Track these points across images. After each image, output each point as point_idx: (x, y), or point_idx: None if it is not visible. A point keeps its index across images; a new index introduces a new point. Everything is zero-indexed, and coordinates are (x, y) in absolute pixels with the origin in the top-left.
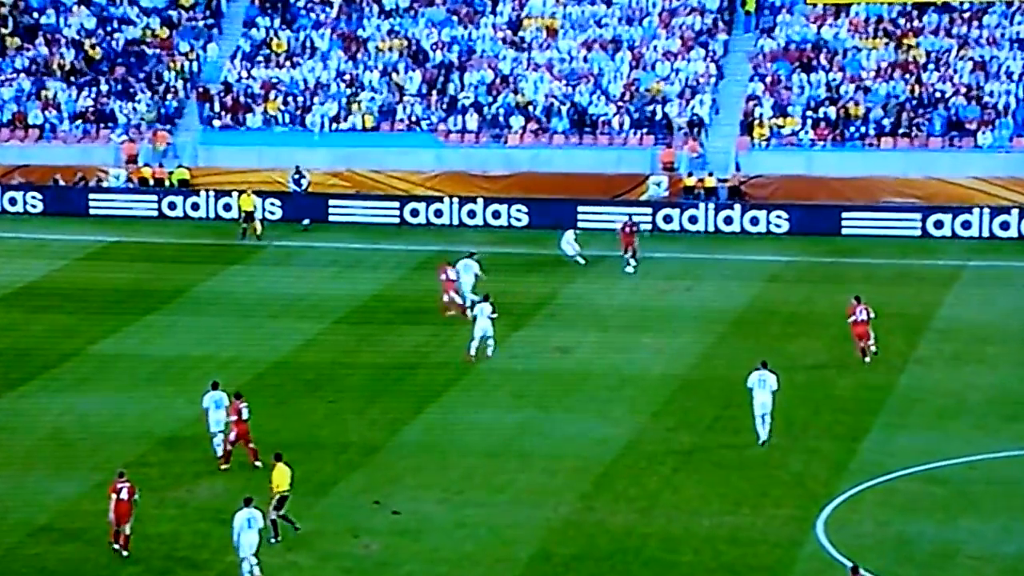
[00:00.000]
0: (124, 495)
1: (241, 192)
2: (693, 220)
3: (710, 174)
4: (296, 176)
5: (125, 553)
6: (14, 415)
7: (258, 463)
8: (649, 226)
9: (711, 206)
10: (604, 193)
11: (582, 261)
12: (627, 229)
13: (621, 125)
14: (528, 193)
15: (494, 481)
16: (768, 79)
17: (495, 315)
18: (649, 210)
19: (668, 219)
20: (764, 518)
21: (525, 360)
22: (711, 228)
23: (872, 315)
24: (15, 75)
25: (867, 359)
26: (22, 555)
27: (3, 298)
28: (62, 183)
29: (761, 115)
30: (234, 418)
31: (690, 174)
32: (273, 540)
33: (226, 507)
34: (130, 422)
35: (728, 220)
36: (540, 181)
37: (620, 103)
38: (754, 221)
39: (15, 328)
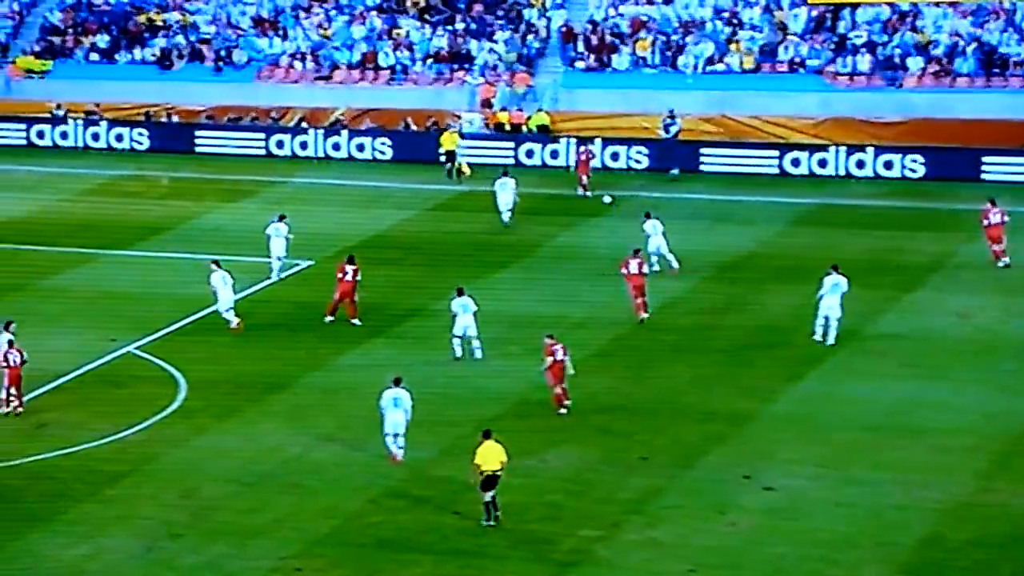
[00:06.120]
0: (560, 355)
1: (445, 129)
2: None
3: None
4: (667, 121)
5: (562, 410)
6: (358, 372)
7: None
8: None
9: None
10: (1014, 142)
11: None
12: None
13: None
14: (926, 141)
15: (878, 458)
16: None
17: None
18: None
19: None
20: None
21: (917, 326)
22: None
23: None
24: (366, 13)
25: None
26: (360, 523)
27: (346, 250)
28: (413, 128)
29: None
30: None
31: None
32: (485, 522)
33: (579, 477)
34: (477, 384)
35: None
36: (940, 128)
37: None
38: None
39: (358, 282)
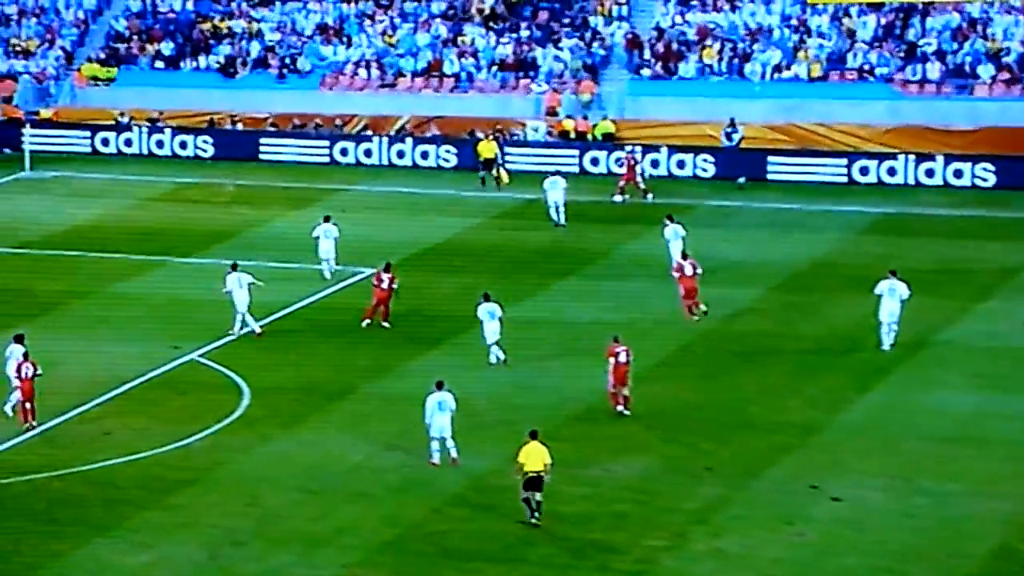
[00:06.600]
0: (623, 358)
1: (485, 137)
2: None
3: None
4: (728, 130)
5: (622, 409)
6: (420, 379)
7: None
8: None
9: None
10: None
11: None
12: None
13: None
14: (996, 150)
15: (947, 468)
16: None
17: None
18: None
19: None
20: None
21: (987, 335)
22: None
23: None
24: (431, 20)
25: None
26: (424, 532)
27: (411, 257)
28: (479, 135)
29: None
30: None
31: None
32: (532, 519)
33: (644, 486)
34: (541, 393)
35: None
36: (1011, 137)
37: None
38: None
39: (422, 289)
